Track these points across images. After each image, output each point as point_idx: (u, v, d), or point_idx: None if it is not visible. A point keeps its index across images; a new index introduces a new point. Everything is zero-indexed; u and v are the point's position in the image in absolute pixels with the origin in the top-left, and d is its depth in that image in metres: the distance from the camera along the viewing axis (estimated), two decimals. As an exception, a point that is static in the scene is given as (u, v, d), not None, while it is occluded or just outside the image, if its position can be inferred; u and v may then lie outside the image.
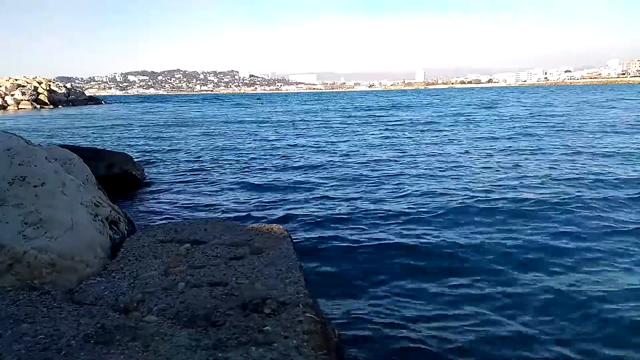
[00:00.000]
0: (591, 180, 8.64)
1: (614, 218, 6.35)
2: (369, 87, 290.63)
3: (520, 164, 10.73)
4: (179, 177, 10.51)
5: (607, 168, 9.86)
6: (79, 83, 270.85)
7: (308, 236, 6.05)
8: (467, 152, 13.19)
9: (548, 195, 7.57)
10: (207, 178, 10.31)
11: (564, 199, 7.37)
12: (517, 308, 4.03)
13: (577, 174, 9.26)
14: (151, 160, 13.06)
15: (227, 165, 11.96)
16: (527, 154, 12.28)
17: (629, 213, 6.59)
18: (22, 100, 52.70)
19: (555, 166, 10.38)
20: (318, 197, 8.17)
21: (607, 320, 3.80)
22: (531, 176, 9.27)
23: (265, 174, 10.68)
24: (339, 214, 7.07)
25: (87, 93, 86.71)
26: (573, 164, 10.49)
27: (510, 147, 13.87)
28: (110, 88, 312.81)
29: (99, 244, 3.45)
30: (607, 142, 13.98)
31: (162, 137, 19.77)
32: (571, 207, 6.91)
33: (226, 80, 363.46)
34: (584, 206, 6.95)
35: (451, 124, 23.07)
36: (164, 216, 7.19)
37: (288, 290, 2.70)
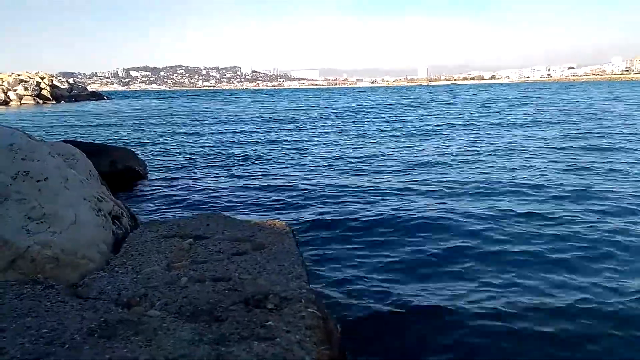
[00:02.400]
0: None
1: None
2: (372, 83, 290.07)
3: None
4: (181, 172, 10.52)
5: None
6: (81, 78, 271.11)
7: (311, 232, 6.05)
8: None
9: None
10: (210, 174, 10.32)
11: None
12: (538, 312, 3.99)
13: None
14: (154, 156, 13.08)
15: (232, 161, 11.97)
16: None
17: None
18: (24, 95, 52.77)
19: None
20: (323, 195, 8.17)
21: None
22: None
23: (270, 170, 10.68)
24: (344, 210, 7.07)
25: (90, 88, 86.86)
26: None
27: None
28: (112, 83, 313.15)
29: (102, 239, 3.46)
30: None
31: (166, 133, 19.79)
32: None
33: (228, 76, 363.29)
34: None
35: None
36: (166, 211, 7.20)
37: (290, 285, 2.71)
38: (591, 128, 17.31)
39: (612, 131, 16.14)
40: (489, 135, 16.31)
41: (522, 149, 12.81)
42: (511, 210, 6.70)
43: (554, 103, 35.59)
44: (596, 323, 3.70)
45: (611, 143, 13.27)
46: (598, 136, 14.93)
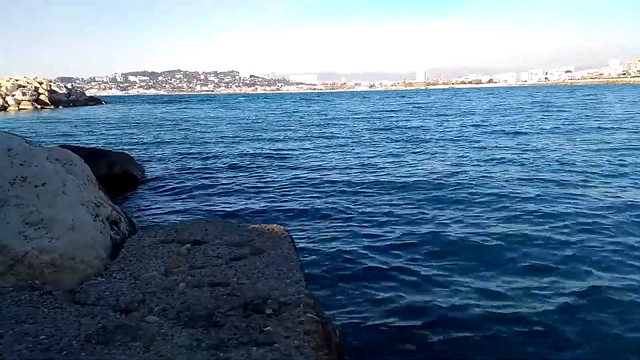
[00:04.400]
0: None
1: None
2: (370, 87, 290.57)
3: None
4: (179, 177, 10.51)
5: None
6: (79, 83, 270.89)
7: (310, 237, 6.04)
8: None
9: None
10: (208, 178, 10.31)
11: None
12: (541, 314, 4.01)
13: None
14: (152, 161, 13.07)
15: (231, 167, 11.96)
16: None
17: None
18: (22, 100, 52.70)
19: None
20: (322, 199, 8.17)
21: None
22: None
23: (267, 176, 10.68)
24: (342, 214, 7.07)
25: (88, 93, 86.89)
26: None
27: None
28: (110, 88, 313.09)
29: (99, 244, 3.45)
30: None
31: (163, 138, 19.78)
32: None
33: (227, 80, 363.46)
34: None
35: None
36: (164, 216, 7.19)
37: (289, 290, 2.70)
38: None
39: None
40: None
41: None
42: None
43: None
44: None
45: None
46: None
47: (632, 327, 3.70)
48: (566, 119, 23.45)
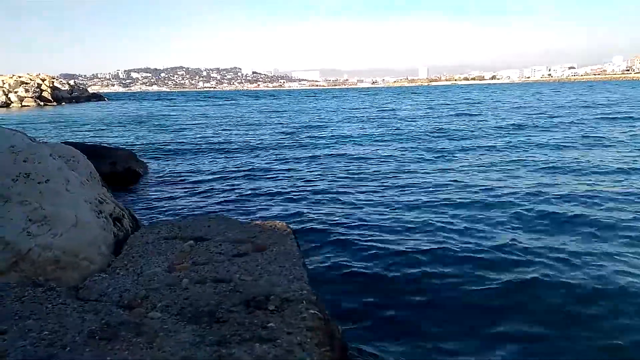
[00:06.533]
0: None
1: None
2: (372, 83, 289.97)
3: None
4: (182, 173, 10.52)
5: None
6: (82, 80, 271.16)
7: (312, 234, 6.04)
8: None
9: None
10: (210, 175, 10.32)
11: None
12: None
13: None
14: (154, 157, 13.08)
15: (233, 163, 11.97)
16: None
17: None
18: (25, 97, 52.82)
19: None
20: (323, 195, 8.16)
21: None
22: None
23: (269, 171, 10.68)
24: (346, 212, 7.07)
25: (90, 90, 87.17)
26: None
27: None
28: (113, 85, 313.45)
29: (102, 241, 3.45)
30: None
31: (166, 134, 19.80)
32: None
33: (229, 77, 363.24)
34: None
35: None
36: (167, 213, 7.21)
37: (292, 286, 2.70)
38: None
39: None
40: None
41: None
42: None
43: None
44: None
45: None
46: None
47: None
48: None
